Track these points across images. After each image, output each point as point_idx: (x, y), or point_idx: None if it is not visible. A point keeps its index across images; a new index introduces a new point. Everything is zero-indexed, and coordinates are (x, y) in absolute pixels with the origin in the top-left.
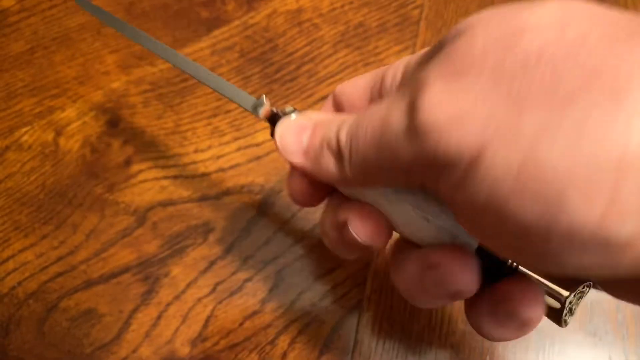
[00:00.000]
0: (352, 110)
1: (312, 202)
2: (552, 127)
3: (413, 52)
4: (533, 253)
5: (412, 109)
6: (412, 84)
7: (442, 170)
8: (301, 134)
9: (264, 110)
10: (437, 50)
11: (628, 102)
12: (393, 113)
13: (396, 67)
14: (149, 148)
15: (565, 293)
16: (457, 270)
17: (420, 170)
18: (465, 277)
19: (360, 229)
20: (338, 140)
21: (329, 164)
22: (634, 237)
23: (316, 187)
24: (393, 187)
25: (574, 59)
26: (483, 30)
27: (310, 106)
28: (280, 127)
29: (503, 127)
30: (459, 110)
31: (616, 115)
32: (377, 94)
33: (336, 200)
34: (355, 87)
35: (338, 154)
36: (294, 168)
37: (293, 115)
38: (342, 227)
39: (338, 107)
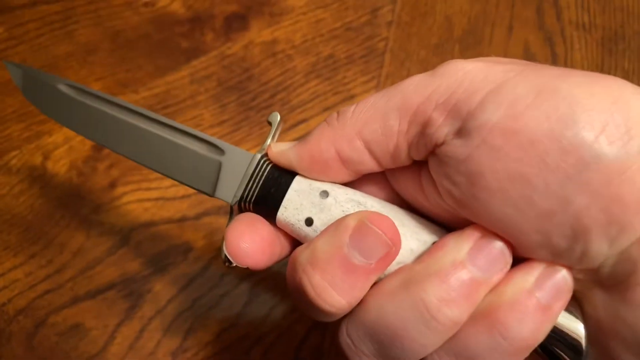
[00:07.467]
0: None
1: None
2: None
3: (378, 83)
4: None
5: None
6: None
7: None
8: None
9: None
10: None
11: None
12: None
13: (427, 119)
14: (133, 172)
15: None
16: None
17: None
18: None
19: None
20: None
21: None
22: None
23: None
24: None
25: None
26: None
27: (284, 131)
28: None
29: None
30: None
31: None
32: (422, 150)
33: None
34: (384, 134)
35: None
36: None
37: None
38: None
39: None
